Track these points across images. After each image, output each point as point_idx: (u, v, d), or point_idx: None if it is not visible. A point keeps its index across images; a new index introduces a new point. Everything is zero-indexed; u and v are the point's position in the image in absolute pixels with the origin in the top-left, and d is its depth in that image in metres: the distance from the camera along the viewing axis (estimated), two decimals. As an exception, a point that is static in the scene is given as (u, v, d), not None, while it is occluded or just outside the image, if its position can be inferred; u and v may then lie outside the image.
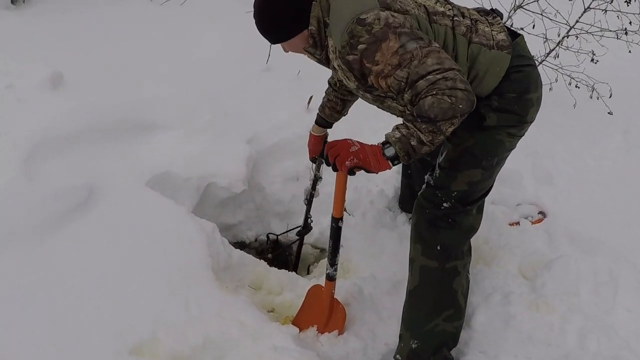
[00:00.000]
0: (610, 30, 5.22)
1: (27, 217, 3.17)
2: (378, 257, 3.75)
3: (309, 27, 2.63)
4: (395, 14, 2.49)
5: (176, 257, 3.19)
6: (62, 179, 3.45)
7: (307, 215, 3.77)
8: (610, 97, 5.22)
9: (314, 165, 3.66)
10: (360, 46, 2.44)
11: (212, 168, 3.75)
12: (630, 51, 5.36)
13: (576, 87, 5.27)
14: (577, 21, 5.27)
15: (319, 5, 2.62)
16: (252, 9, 2.66)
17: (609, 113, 5.18)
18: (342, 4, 2.57)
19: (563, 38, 5.32)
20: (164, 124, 4.02)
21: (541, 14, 5.10)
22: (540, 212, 4.14)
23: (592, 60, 5.22)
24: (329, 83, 3.39)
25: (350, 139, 2.61)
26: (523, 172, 4.37)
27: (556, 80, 5.29)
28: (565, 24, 5.28)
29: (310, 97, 4.67)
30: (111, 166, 3.68)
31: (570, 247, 3.78)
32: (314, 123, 3.49)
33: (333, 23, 2.55)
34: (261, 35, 2.73)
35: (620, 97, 5.35)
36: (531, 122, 2.87)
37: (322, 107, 3.42)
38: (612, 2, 5.19)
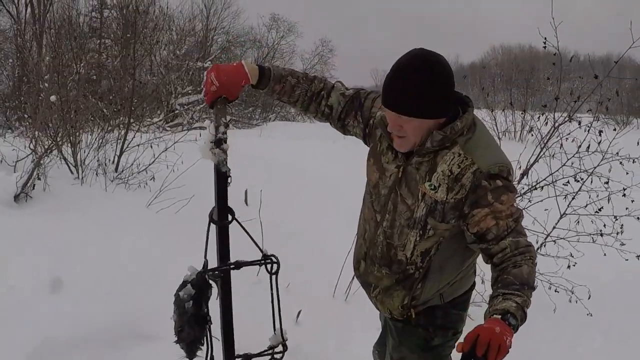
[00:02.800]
0: (587, 234, 5.48)
1: None
2: None
3: (457, 124, 2.48)
4: None
5: None
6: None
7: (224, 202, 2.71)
8: (589, 298, 5.41)
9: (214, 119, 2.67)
10: (499, 181, 2.44)
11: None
12: (605, 254, 5.57)
13: (555, 291, 5.45)
14: (554, 227, 5.55)
15: (473, 116, 2.58)
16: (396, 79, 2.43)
17: (588, 314, 5.34)
18: (492, 139, 2.65)
19: (541, 245, 5.56)
20: (160, 333, 4.07)
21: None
22: (525, 422, 4.18)
23: (569, 266, 5.44)
24: (331, 103, 2.91)
25: (480, 325, 2.18)
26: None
27: (536, 287, 5.46)
28: (543, 233, 5.53)
29: (299, 312, 4.80)
30: (108, 375, 3.74)
31: None
32: (254, 64, 2.79)
33: (483, 146, 2.53)
34: (396, 101, 2.43)
35: (599, 299, 5.55)
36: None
37: (285, 76, 2.83)
38: (586, 206, 5.47)
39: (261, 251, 2.74)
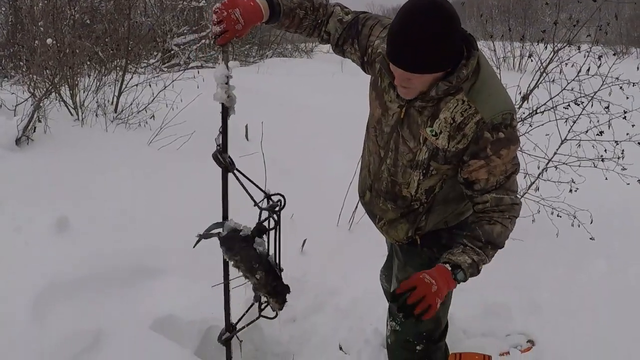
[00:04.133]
0: (588, 159, 5.49)
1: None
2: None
3: (463, 71, 2.37)
4: None
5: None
6: (69, 324, 3.53)
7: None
8: (591, 223, 5.46)
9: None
10: (501, 133, 2.41)
11: (214, 311, 3.81)
12: (606, 178, 5.60)
13: (558, 216, 5.49)
14: (555, 153, 5.56)
15: (479, 58, 2.45)
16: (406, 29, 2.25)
17: (591, 239, 5.40)
18: (497, 81, 2.56)
19: (543, 170, 5.58)
20: (166, 269, 4.15)
21: (520, 150, 5.37)
22: (529, 341, 4.24)
23: (571, 190, 5.46)
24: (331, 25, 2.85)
25: (422, 275, 2.40)
26: (511, 304, 4.50)
27: (538, 212, 5.52)
28: (544, 158, 5.55)
29: (304, 241, 4.83)
30: (117, 310, 3.77)
31: (559, 374, 3.87)
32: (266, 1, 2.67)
33: (486, 91, 2.46)
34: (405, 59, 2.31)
35: (601, 223, 5.60)
36: None
37: (294, 9, 2.77)
38: (587, 132, 5.48)
39: (265, 194, 2.74)
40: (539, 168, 5.68)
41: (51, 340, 3.39)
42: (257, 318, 2.84)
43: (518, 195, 2.57)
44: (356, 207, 5.20)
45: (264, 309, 2.84)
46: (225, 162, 2.65)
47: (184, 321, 3.83)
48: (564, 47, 5.70)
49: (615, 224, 5.95)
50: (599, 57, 5.54)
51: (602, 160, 5.54)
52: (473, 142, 2.44)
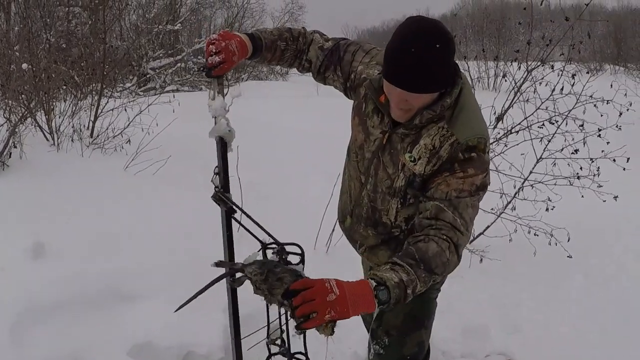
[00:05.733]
0: (564, 178, 5.54)
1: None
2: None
3: (447, 100, 2.38)
4: None
5: None
6: (47, 349, 3.51)
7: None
8: (568, 241, 5.49)
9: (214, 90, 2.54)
10: (474, 154, 2.38)
11: (191, 336, 3.81)
12: (582, 196, 5.64)
13: (535, 235, 5.52)
14: (530, 172, 5.60)
15: (464, 86, 2.47)
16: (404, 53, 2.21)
17: (568, 256, 5.43)
18: (475, 107, 2.54)
19: (519, 190, 5.61)
20: (144, 293, 4.10)
21: (496, 170, 5.40)
22: (508, 361, 4.26)
23: (547, 209, 5.50)
24: (310, 57, 2.87)
25: (326, 279, 2.03)
26: (490, 325, 4.50)
27: (515, 231, 5.55)
28: (520, 177, 5.58)
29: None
30: (94, 335, 3.73)
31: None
32: (247, 36, 2.70)
33: (464, 117, 2.44)
34: (403, 80, 2.26)
35: (578, 241, 5.64)
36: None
37: (275, 41, 2.79)
38: (562, 150, 5.52)
39: (275, 240, 2.46)
40: (515, 187, 5.70)
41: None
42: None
43: (468, 230, 2.41)
44: (333, 229, 5.20)
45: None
46: (230, 203, 2.56)
47: (161, 346, 3.80)
48: (538, 66, 5.76)
49: (592, 241, 6.00)
50: (573, 76, 5.60)
51: (578, 178, 5.59)
52: (447, 162, 2.41)
